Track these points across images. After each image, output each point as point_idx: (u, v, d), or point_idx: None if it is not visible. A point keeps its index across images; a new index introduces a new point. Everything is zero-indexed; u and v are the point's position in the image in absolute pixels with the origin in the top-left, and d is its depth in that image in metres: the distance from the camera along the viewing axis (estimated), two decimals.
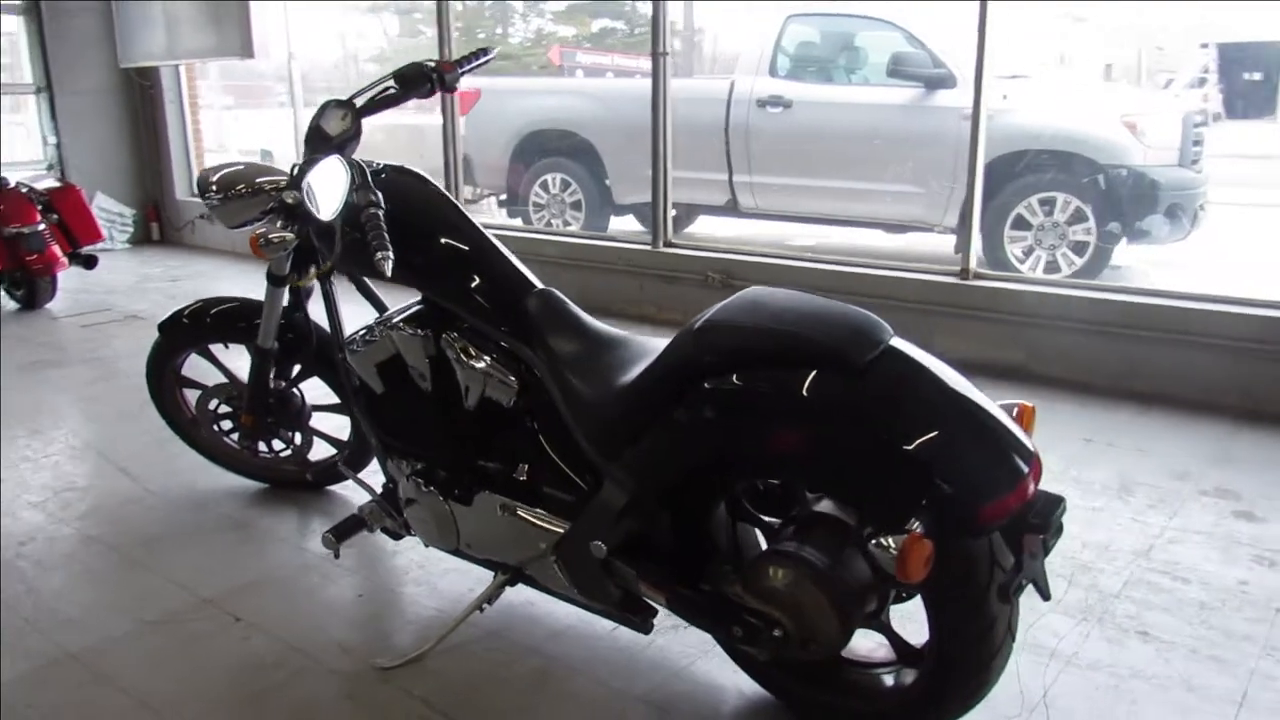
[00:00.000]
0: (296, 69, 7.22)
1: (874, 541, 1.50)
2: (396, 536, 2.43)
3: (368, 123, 2.25)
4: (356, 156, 2.21)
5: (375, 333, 2.24)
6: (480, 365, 2.09)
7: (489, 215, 8.01)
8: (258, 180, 2.45)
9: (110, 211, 7.68)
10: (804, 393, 1.60)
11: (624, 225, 7.44)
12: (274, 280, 2.54)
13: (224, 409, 2.91)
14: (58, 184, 5.80)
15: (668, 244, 5.32)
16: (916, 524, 1.49)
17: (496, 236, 2.30)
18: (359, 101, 2.26)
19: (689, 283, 5.13)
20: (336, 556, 2.38)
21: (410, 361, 2.19)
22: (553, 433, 2.06)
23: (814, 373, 1.60)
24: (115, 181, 7.72)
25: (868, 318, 1.68)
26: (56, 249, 5.44)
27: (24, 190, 5.47)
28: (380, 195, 2.05)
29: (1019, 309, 4.25)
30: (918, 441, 1.54)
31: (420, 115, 8.75)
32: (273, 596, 2.47)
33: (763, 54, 6.85)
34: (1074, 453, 3.39)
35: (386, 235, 1.98)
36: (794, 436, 1.63)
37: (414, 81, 2.33)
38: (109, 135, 7.66)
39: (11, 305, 5.67)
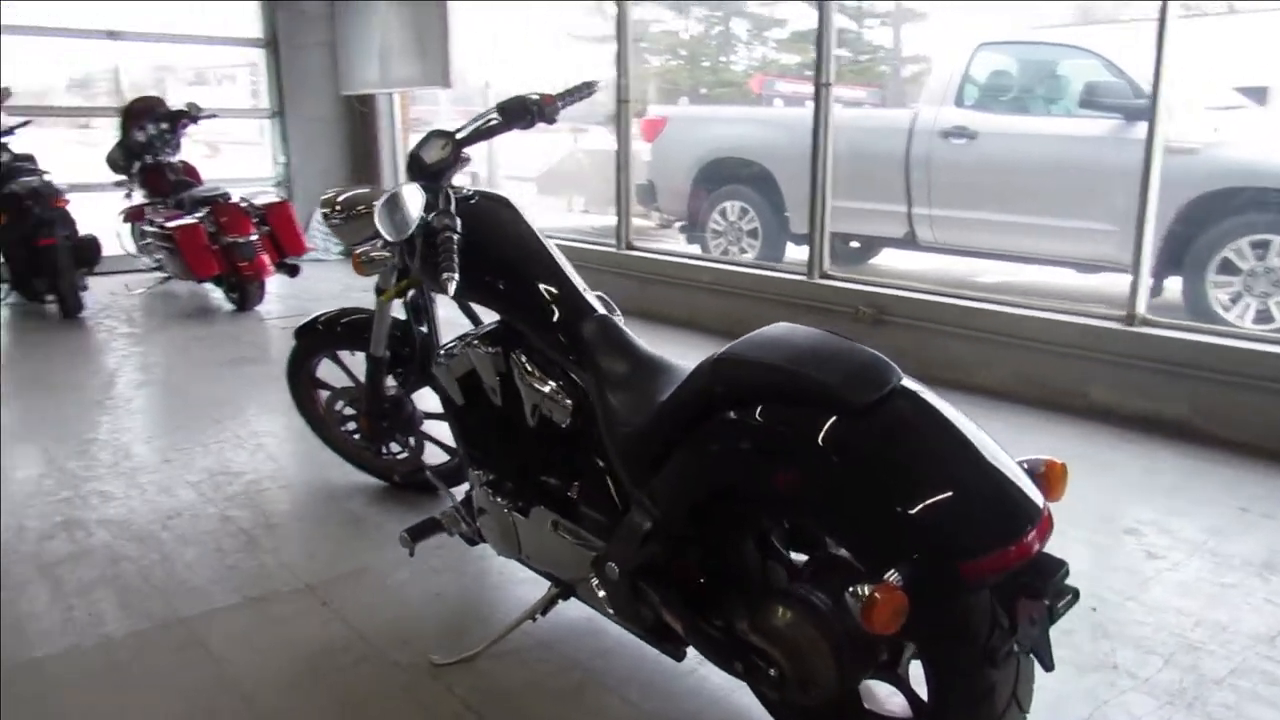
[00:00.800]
0: (492, 97, 7.65)
1: (850, 589, 1.47)
2: (472, 542, 2.56)
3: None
4: (456, 182, 2.39)
5: (457, 347, 2.38)
6: (540, 385, 2.18)
7: (672, 241, 8.16)
8: (375, 203, 2.67)
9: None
10: (800, 431, 1.59)
11: (803, 255, 7.40)
12: (381, 294, 2.75)
13: (348, 410, 3.16)
14: (272, 200, 6.44)
15: (823, 275, 5.25)
16: (894, 574, 1.45)
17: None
18: (460, 134, 2.42)
19: (841, 315, 5.04)
20: (411, 554, 2.54)
21: (483, 377, 2.32)
22: (600, 455, 2.12)
23: (811, 412, 1.59)
24: None
25: (875, 359, 1.64)
26: (266, 258, 6.05)
27: (243, 205, 6.12)
28: (458, 220, 2.19)
29: (1188, 360, 3.90)
30: (905, 488, 1.49)
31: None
32: (363, 588, 2.66)
33: (950, 83, 6.65)
34: (1221, 522, 3.09)
35: (455, 257, 2.11)
36: (792, 474, 1.62)
37: (516, 113, 2.47)
38: (330, 156, 8.42)
39: (228, 307, 6.34)
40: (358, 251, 2.51)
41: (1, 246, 6.02)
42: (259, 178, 8.16)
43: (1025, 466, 1.62)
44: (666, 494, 1.85)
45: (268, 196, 6.50)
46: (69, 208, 6.04)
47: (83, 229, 6.19)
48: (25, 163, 6.32)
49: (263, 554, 2.86)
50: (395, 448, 3.19)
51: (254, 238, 5.99)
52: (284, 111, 8.15)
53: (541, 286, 2.25)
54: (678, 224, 8.41)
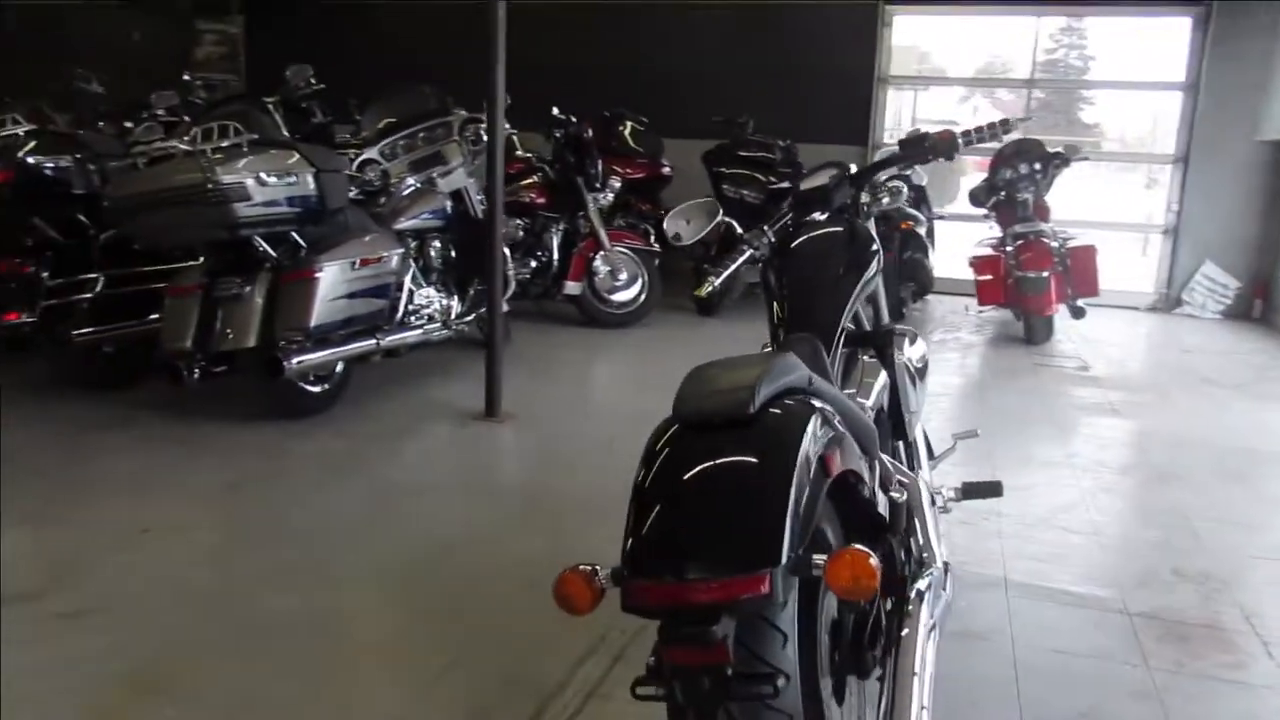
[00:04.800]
0: None
1: None
2: None
3: None
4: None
5: None
6: None
7: None
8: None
9: (1214, 281, 7.78)
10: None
11: None
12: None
13: None
14: (1081, 244, 6.43)
15: None
16: (606, 570, 1.53)
17: None
18: (855, 167, 2.71)
19: None
20: None
21: None
22: None
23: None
24: (1228, 252, 7.74)
25: (737, 390, 1.57)
26: (1052, 295, 6.17)
27: (1050, 244, 6.32)
28: (764, 242, 2.51)
29: None
30: (639, 495, 1.51)
31: None
32: None
33: None
34: None
35: (727, 270, 2.49)
36: None
37: (913, 148, 2.65)
38: (1233, 206, 7.68)
39: (1017, 336, 6.59)
40: None
41: None
42: (1139, 224, 7.98)
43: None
44: None
45: (1080, 240, 6.50)
46: (918, 230, 7.09)
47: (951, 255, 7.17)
48: (912, 193, 7.59)
49: None
50: None
51: (1045, 274, 6.16)
52: (1188, 157, 7.76)
53: (809, 307, 2.40)
54: None
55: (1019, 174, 7.12)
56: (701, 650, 1.38)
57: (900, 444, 2.52)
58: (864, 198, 2.75)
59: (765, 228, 2.54)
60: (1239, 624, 2.72)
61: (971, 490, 2.86)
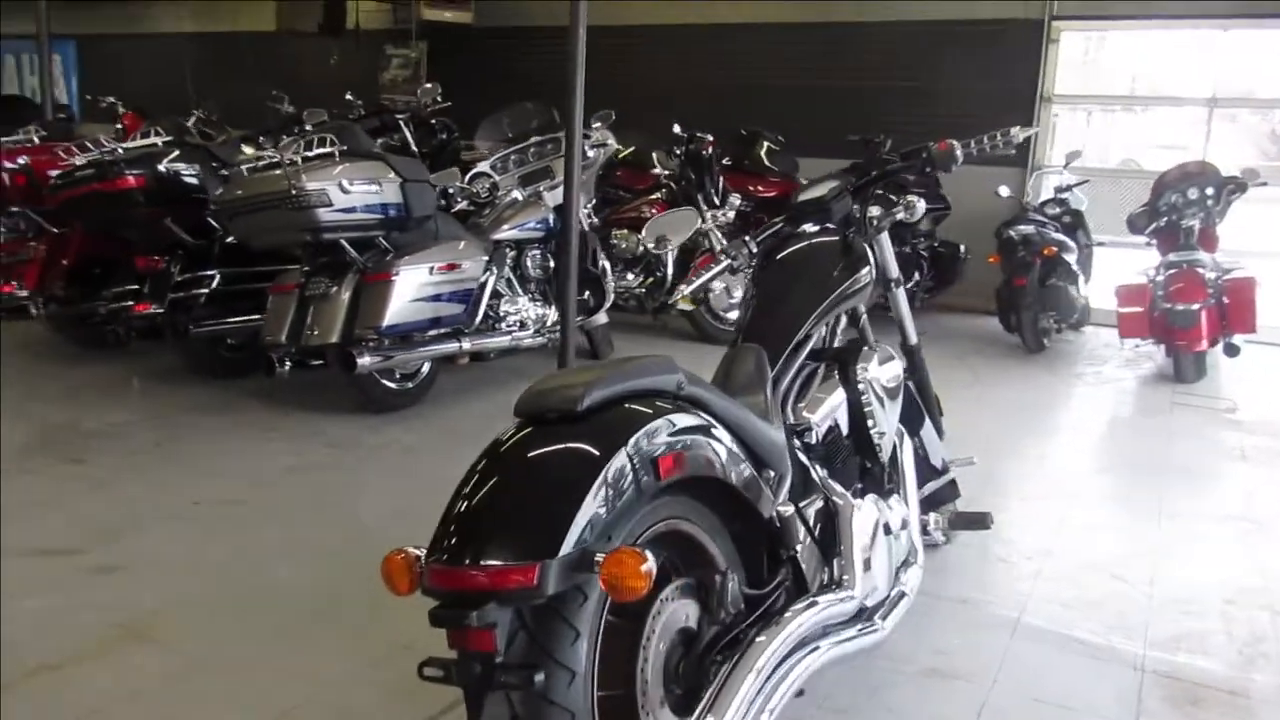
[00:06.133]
0: None
1: None
2: None
3: None
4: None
5: None
6: None
7: None
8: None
9: None
10: None
11: None
12: None
13: None
14: (1240, 275, 5.81)
15: None
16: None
17: None
18: (855, 179, 2.64)
19: None
20: None
21: None
22: None
23: None
24: None
25: (564, 389, 1.58)
26: (1203, 330, 5.61)
27: (1205, 274, 5.76)
28: (742, 253, 2.48)
29: None
30: (463, 484, 1.55)
31: None
32: None
33: None
34: None
35: (700, 278, 2.49)
36: None
37: (909, 159, 2.57)
38: None
39: (1167, 374, 6.02)
40: None
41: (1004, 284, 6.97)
42: None
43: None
44: None
45: (1236, 271, 5.88)
46: (1066, 256, 6.63)
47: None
48: (1068, 218, 7.14)
49: None
50: None
51: (1195, 307, 5.62)
52: None
53: (761, 315, 2.36)
54: None
55: (1187, 199, 6.57)
56: (466, 635, 1.41)
57: (869, 464, 2.40)
58: (874, 211, 2.65)
59: (747, 238, 2.51)
60: (1271, 695, 2.42)
61: (959, 521, 2.70)
